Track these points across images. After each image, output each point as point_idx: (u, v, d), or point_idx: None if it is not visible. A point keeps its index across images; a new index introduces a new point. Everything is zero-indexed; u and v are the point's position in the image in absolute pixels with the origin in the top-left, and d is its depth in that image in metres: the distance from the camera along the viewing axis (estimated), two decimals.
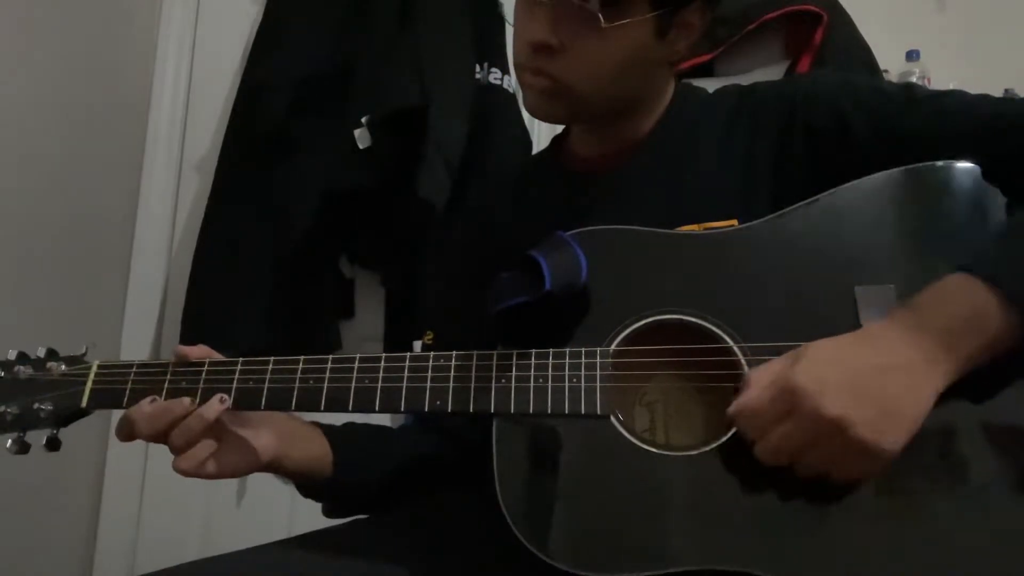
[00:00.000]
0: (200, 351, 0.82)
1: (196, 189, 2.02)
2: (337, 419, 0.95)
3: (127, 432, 0.78)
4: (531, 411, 0.74)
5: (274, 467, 0.84)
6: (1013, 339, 0.67)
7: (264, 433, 0.83)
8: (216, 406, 0.77)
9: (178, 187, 2.04)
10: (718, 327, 0.75)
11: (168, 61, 2.04)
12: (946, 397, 0.68)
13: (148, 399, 0.78)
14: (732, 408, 0.70)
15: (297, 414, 0.88)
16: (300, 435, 0.88)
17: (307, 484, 0.89)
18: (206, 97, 2.05)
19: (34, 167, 1.64)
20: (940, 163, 0.77)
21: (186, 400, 0.77)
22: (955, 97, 0.82)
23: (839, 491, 0.68)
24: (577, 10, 0.80)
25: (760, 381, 0.69)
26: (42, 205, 1.67)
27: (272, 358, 0.80)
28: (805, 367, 0.67)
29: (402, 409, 0.77)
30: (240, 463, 0.81)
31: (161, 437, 0.77)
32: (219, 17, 2.07)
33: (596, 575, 0.68)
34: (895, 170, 0.78)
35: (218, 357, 0.82)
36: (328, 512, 0.95)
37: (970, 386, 0.69)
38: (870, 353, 0.68)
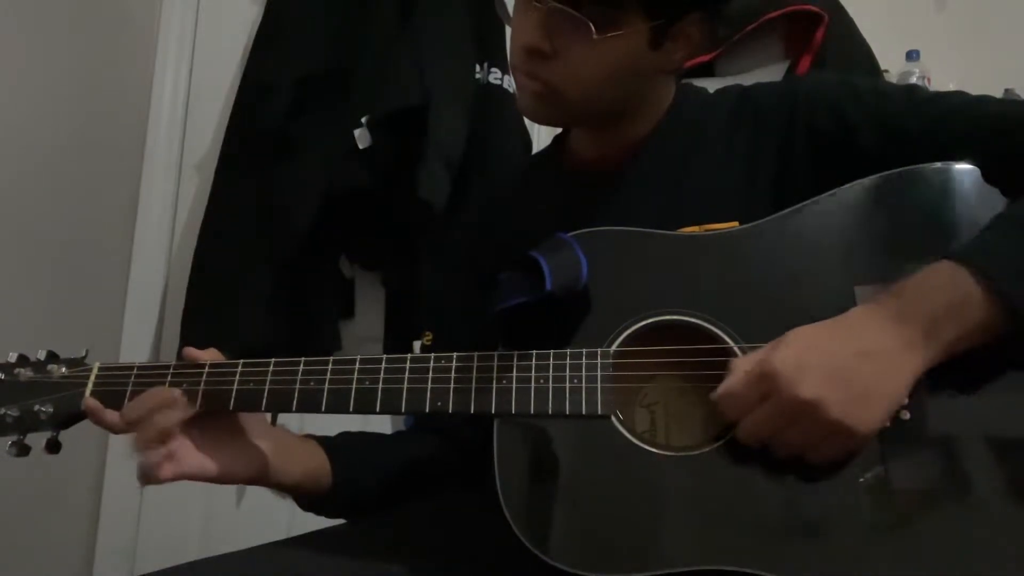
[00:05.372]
0: (211, 355, 0.82)
1: (196, 189, 2.01)
2: (335, 423, 0.95)
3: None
4: (532, 412, 0.74)
5: (269, 480, 0.84)
6: (993, 329, 0.68)
7: (259, 444, 0.83)
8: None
9: (178, 187, 2.03)
10: (719, 328, 0.75)
11: (168, 61, 2.04)
12: (947, 396, 0.69)
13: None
14: (715, 393, 0.71)
15: (287, 428, 0.88)
16: (296, 449, 0.87)
17: (306, 498, 0.89)
18: (206, 97, 2.04)
19: (34, 167, 1.64)
20: (940, 164, 0.77)
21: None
22: (957, 98, 0.82)
23: (840, 491, 0.68)
24: (570, 18, 0.79)
25: (742, 367, 0.70)
26: (42, 205, 1.67)
27: (272, 359, 0.80)
28: (784, 352, 0.68)
29: (403, 410, 0.77)
30: (234, 468, 0.81)
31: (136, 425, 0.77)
32: (219, 17, 2.07)
33: (598, 575, 0.68)
34: (896, 171, 0.78)
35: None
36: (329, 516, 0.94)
37: (967, 381, 0.69)
38: (849, 338, 0.69)
